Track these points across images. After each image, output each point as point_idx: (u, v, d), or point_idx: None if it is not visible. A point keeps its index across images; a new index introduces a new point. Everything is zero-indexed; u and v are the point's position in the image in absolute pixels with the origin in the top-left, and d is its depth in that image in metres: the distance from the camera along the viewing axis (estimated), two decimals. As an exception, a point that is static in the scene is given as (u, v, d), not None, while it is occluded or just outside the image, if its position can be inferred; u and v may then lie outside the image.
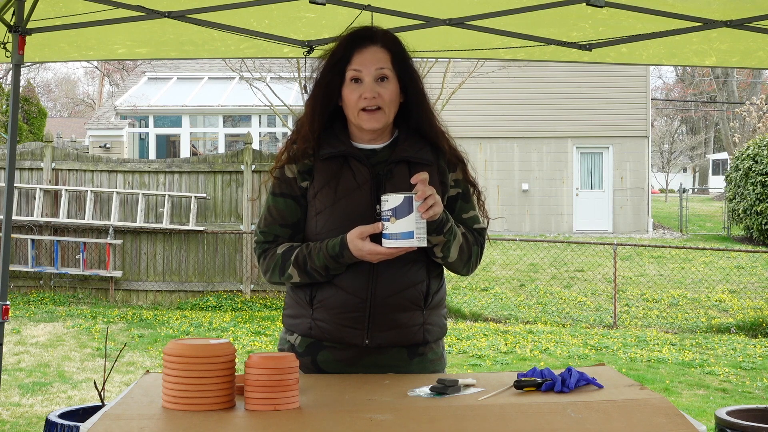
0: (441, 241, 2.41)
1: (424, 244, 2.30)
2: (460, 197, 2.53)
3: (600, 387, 2.14)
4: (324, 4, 3.67)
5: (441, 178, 2.49)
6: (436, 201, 2.30)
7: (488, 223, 2.59)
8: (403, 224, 2.25)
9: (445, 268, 2.56)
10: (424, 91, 2.53)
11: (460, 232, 2.47)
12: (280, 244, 2.49)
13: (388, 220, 2.26)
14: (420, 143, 2.50)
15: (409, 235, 2.25)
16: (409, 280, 2.44)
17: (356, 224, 2.37)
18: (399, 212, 2.25)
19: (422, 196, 2.26)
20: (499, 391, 2.12)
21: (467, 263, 2.51)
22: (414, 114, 2.51)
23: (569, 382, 2.11)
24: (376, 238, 2.32)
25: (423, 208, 2.26)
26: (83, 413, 4.23)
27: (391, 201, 2.26)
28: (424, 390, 2.14)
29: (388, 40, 2.48)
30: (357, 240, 2.33)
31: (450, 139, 2.56)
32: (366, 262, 2.38)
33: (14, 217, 11.59)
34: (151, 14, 3.84)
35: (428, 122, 2.52)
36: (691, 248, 14.45)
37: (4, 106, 19.89)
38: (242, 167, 12.04)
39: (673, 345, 9.92)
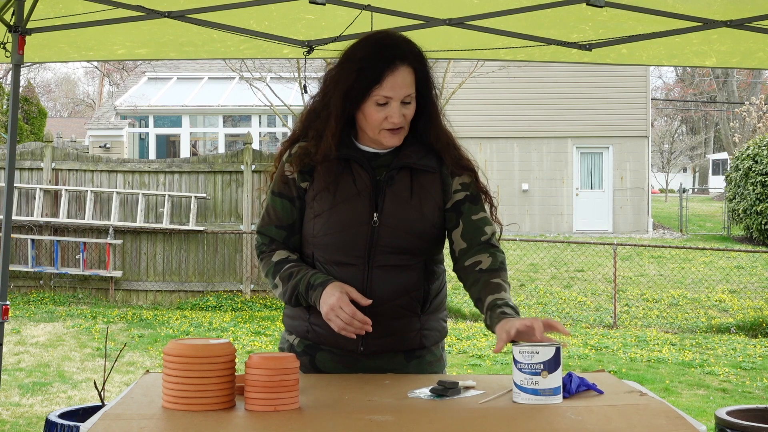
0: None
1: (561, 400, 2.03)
2: (467, 200, 2.45)
3: (600, 393, 2.14)
4: (324, 4, 3.67)
5: (443, 187, 2.44)
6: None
7: (501, 230, 2.51)
8: (555, 379, 2.00)
9: (446, 270, 2.54)
10: (437, 105, 2.48)
11: (504, 283, 2.39)
12: (277, 249, 2.46)
13: (539, 374, 1.98)
14: (424, 150, 2.45)
15: (558, 390, 2.01)
16: (404, 287, 2.40)
17: (353, 230, 2.35)
18: (551, 365, 1.99)
19: (565, 332, 2.16)
20: (499, 394, 2.12)
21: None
22: (422, 124, 2.45)
23: (570, 387, 2.10)
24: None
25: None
26: (83, 413, 4.23)
27: (542, 353, 1.99)
28: (424, 391, 2.14)
29: (415, 59, 2.39)
30: (338, 291, 2.28)
31: (457, 148, 2.49)
32: (360, 268, 2.35)
33: (14, 217, 11.58)
34: (151, 14, 3.84)
35: (435, 135, 2.46)
36: (691, 248, 14.44)
37: (4, 106, 19.89)
38: (242, 167, 12.04)
39: (673, 345, 9.92)
